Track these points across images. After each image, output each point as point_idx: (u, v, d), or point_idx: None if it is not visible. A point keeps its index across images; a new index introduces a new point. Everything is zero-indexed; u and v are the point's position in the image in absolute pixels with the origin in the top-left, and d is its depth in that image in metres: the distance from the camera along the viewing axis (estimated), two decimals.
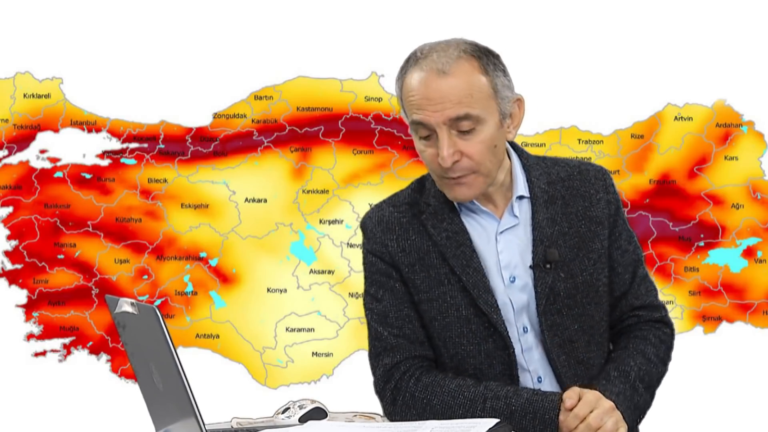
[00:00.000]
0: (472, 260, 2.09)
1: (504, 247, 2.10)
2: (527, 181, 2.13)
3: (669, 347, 2.20)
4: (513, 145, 2.19)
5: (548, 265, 2.08)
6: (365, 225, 2.20)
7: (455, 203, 2.13)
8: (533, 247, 2.09)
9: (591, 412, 1.92)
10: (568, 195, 2.14)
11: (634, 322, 2.19)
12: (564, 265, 2.09)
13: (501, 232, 2.11)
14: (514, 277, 2.10)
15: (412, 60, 2.04)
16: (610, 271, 2.15)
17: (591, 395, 1.95)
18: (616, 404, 1.97)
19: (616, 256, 2.15)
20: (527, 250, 2.10)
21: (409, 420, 2.06)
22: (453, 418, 1.99)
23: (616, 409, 1.95)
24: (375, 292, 2.16)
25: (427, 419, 2.02)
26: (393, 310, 2.13)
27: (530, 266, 2.09)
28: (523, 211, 2.12)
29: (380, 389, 2.13)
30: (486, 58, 2.03)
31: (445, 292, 2.10)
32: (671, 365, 2.23)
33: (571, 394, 1.94)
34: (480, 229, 2.12)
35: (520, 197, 2.12)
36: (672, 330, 2.23)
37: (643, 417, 2.12)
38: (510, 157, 2.15)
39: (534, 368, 2.10)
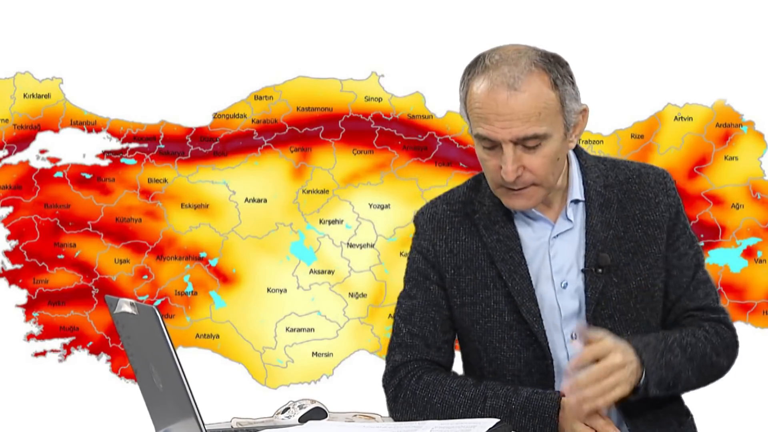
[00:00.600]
0: (520, 266, 2.07)
1: (557, 252, 2.09)
2: (583, 183, 2.10)
3: (727, 344, 2.11)
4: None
5: (600, 270, 2.05)
6: (417, 221, 2.19)
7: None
8: (585, 251, 2.06)
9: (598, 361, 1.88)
10: (626, 199, 2.11)
11: (689, 322, 2.12)
12: (617, 269, 2.06)
13: (555, 237, 2.09)
14: (566, 283, 2.07)
15: (480, 66, 2.00)
16: (666, 275, 2.11)
17: (607, 340, 1.89)
18: (640, 350, 1.92)
19: (672, 259, 2.11)
20: (580, 255, 2.07)
21: (409, 417, 2.06)
22: (453, 417, 2.00)
23: (627, 365, 1.89)
24: (410, 289, 2.16)
25: (428, 417, 2.03)
26: (420, 310, 2.13)
27: (582, 270, 2.06)
28: (578, 214, 2.09)
29: (385, 384, 2.14)
30: (556, 71, 2.00)
31: (489, 296, 2.09)
32: None
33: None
34: (533, 234, 2.10)
35: (576, 201, 2.10)
36: (733, 332, 2.14)
37: (680, 385, 2.00)
38: (569, 159, 2.11)
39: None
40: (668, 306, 2.13)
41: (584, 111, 2.05)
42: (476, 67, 2.01)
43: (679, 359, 2.00)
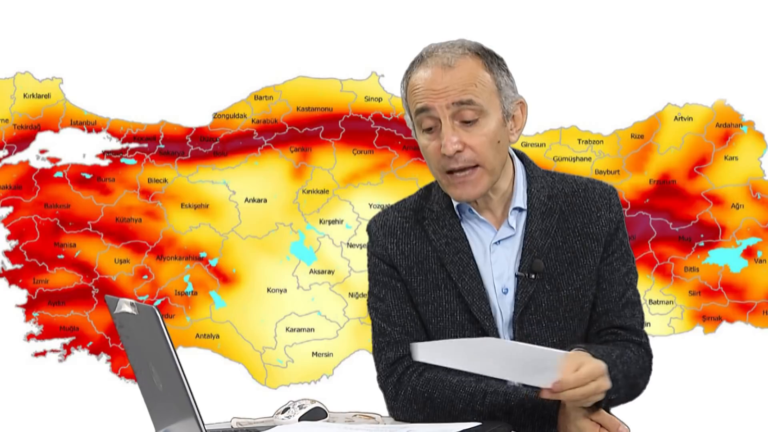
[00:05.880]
0: (468, 267, 2.10)
1: (497, 258, 2.11)
2: (527, 191, 2.13)
3: (645, 369, 2.12)
4: (521, 156, 2.19)
5: (533, 275, 2.07)
6: (370, 228, 2.23)
7: (456, 210, 2.13)
8: (521, 257, 2.09)
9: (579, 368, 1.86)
10: (569, 210, 2.13)
11: (612, 339, 2.13)
12: (551, 277, 2.09)
13: (495, 243, 2.12)
14: (507, 289, 2.10)
15: (418, 60, 2.07)
16: (597, 287, 2.12)
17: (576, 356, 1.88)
18: (606, 362, 1.91)
19: (604, 272, 2.12)
20: (518, 261, 2.10)
21: (410, 413, 2.07)
22: (453, 412, 2.01)
23: (605, 372, 1.88)
24: (378, 292, 2.18)
25: (428, 413, 2.04)
26: (395, 309, 2.15)
27: (515, 274, 2.09)
28: (520, 223, 2.12)
29: (383, 383, 2.14)
30: (490, 58, 2.06)
31: (440, 296, 2.11)
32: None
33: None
34: (477, 239, 2.13)
35: (519, 209, 2.12)
36: (651, 358, 2.15)
37: (615, 399, 2.00)
38: (514, 167, 2.15)
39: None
40: (594, 318, 2.14)
41: (521, 103, 2.10)
42: (413, 64, 2.08)
43: (621, 375, 2.00)
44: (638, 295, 2.17)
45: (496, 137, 2.04)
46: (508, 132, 2.08)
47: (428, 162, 2.09)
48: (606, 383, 1.89)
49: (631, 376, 2.04)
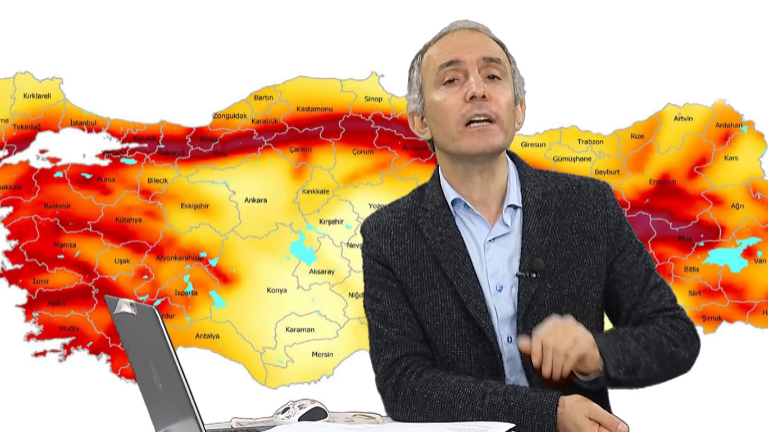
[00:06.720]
0: (464, 265, 2.10)
1: (492, 256, 2.12)
2: (521, 190, 2.14)
3: (685, 336, 2.11)
4: (512, 155, 2.20)
5: (534, 275, 2.07)
6: (364, 229, 2.23)
7: (451, 207, 2.14)
8: (521, 256, 2.09)
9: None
10: (564, 208, 2.14)
11: (644, 324, 2.14)
12: (552, 276, 2.09)
13: (490, 241, 2.12)
14: (501, 287, 2.10)
15: (437, 36, 2.18)
16: (617, 285, 2.13)
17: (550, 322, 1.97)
18: (594, 336, 1.97)
19: (620, 269, 2.13)
20: (515, 259, 2.10)
21: (409, 414, 2.07)
22: (452, 413, 2.01)
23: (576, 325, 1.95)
24: (374, 293, 2.18)
25: (427, 414, 2.04)
26: (392, 309, 2.15)
27: (516, 274, 2.09)
28: (515, 220, 2.13)
29: (381, 385, 2.14)
30: (505, 48, 2.18)
31: (436, 295, 2.12)
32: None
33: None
34: (471, 237, 2.14)
35: (514, 207, 2.13)
36: (690, 325, 2.14)
37: (641, 371, 2.02)
38: (508, 166, 2.17)
39: (515, 379, 2.10)
40: (624, 315, 2.14)
41: (523, 101, 2.18)
42: (432, 41, 2.20)
43: (633, 345, 2.02)
44: (660, 276, 2.17)
45: (511, 106, 2.11)
46: (516, 115, 2.14)
47: (444, 117, 2.10)
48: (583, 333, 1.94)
49: (652, 345, 2.04)
